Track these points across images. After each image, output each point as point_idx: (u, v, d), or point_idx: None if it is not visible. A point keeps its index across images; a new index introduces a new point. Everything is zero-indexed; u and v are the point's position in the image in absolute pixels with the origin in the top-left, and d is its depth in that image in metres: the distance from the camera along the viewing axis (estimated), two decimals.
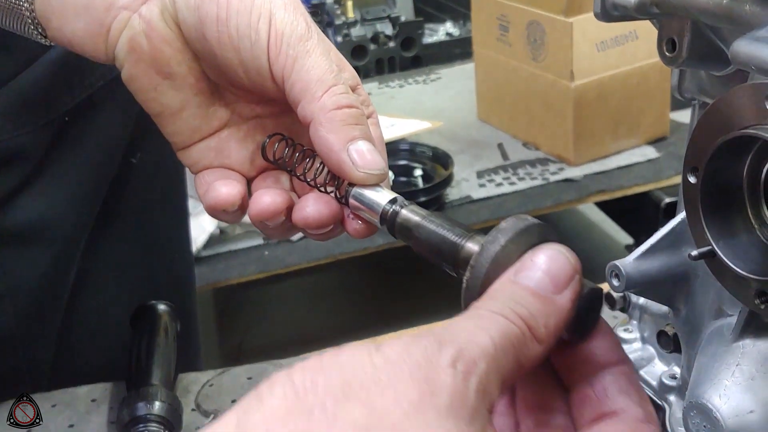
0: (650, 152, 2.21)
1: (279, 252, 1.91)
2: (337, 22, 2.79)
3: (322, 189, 0.55)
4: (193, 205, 1.99)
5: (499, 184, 2.12)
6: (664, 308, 0.67)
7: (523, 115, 2.28)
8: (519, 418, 0.44)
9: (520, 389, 0.45)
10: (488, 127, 2.40)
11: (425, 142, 2.23)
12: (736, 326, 0.53)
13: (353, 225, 0.55)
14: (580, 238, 2.77)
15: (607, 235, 2.66)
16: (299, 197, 0.57)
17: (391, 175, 2.18)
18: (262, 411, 0.34)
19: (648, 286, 0.61)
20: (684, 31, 0.54)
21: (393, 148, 2.14)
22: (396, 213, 0.51)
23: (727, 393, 0.51)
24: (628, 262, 0.59)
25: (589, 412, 0.42)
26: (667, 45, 0.55)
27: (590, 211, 2.68)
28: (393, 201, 0.52)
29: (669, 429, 0.65)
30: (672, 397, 0.66)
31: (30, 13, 0.56)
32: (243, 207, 0.56)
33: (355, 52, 2.79)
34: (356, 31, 2.81)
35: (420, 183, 2.10)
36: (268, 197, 0.55)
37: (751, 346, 0.53)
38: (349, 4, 2.81)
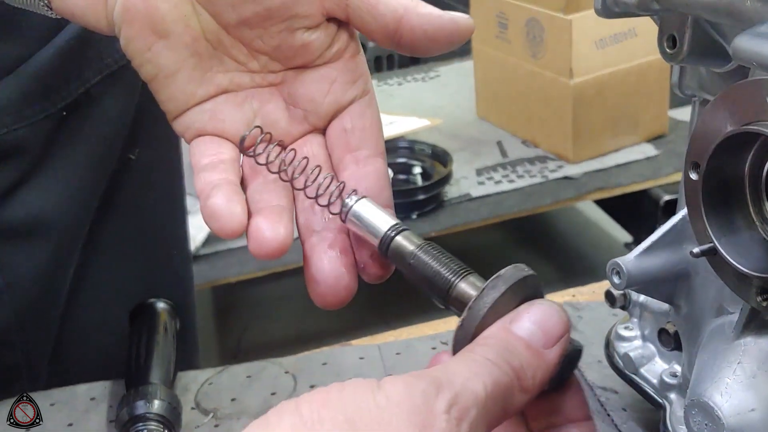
0: (649, 150, 2.21)
1: None
2: None
3: (312, 197, 0.54)
4: (191, 203, 1.98)
5: (498, 182, 2.12)
6: (665, 306, 0.67)
7: (522, 113, 2.28)
8: None
9: None
10: (487, 125, 2.40)
11: (424, 139, 2.23)
12: (737, 324, 0.53)
13: (372, 270, 0.53)
14: (579, 235, 2.77)
15: (605, 233, 2.66)
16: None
17: (390, 173, 2.18)
18: None
19: (649, 283, 0.61)
20: (685, 28, 0.53)
21: (392, 146, 2.14)
22: (391, 238, 0.51)
23: (728, 391, 0.51)
24: (629, 260, 0.59)
25: None
26: (668, 41, 0.55)
27: (589, 208, 2.68)
28: (393, 226, 0.51)
29: (670, 427, 0.65)
30: (673, 395, 0.66)
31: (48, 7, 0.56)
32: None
33: None
34: None
35: (419, 181, 2.10)
36: (268, 231, 0.50)
37: (752, 343, 0.52)
38: None
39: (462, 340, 0.45)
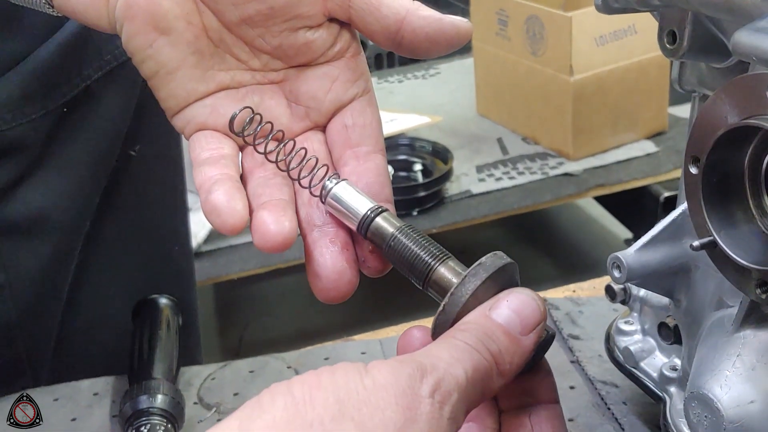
0: (649, 147, 2.21)
1: None
2: None
3: (295, 179, 0.54)
4: (193, 200, 1.99)
5: (499, 179, 2.12)
6: (665, 300, 0.67)
7: (522, 110, 2.29)
8: None
9: None
10: (487, 122, 2.40)
11: (425, 137, 2.23)
12: (736, 317, 0.53)
13: (372, 264, 0.53)
14: (579, 232, 2.77)
15: (606, 230, 2.67)
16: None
17: (390, 169, 2.18)
18: (264, 419, 0.38)
19: (649, 277, 0.61)
20: (684, 23, 0.54)
21: (392, 143, 2.15)
22: (371, 219, 0.51)
23: (728, 383, 0.52)
24: (629, 254, 0.60)
25: None
26: (668, 37, 0.55)
27: (589, 205, 2.68)
28: (372, 208, 0.52)
29: (670, 420, 0.65)
30: (673, 389, 0.67)
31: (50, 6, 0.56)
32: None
33: None
34: None
35: (420, 178, 2.10)
36: (273, 225, 0.50)
37: (751, 336, 0.53)
38: None
39: (442, 324, 0.46)
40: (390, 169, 2.16)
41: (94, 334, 0.92)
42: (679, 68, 0.61)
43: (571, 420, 0.76)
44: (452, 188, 2.09)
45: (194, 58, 0.55)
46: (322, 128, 0.58)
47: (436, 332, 0.46)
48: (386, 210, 0.52)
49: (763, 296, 0.48)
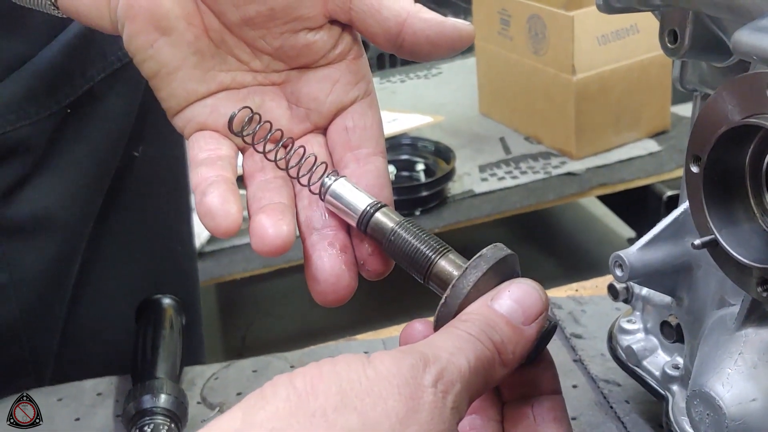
0: (651, 146, 2.22)
1: None
2: None
3: (294, 177, 0.54)
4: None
5: (502, 178, 2.12)
6: (667, 299, 0.67)
7: (524, 109, 2.29)
8: None
9: None
10: (490, 122, 2.40)
11: (427, 136, 2.23)
12: (738, 315, 0.54)
13: (371, 267, 0.53)
14: (582, 231, 2.77)
15: (608, 229, 2.67)
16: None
17: (393, 169, 2.19)
18: (267, 409, 0.38)
19: (651, 276, 0.61)
20: (685, 22, 0.54)
21: (395, 143, 2.15)
22: (370, 215, 0.51)
23: (729, 381, 0.52)
24: (631, 253, 0.60)
25: (523, 430, 0.48)
26: (669, 36, 0.55)
27: (592, 204, 2.68)
28: (372, 204, 0.52)
29: (672, 419, 0.65)
30: (675, 387, 0.67)
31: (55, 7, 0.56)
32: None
33: None
34: None
35: (422, 177, 2.11)
36: (271, 229, 0.50)
37: (753, 334, 0.53)
38: None
39: (445, 316, 0.46)
40: (392, 168, 2.17)
41: (97, 333, 0.93)
42: (681, 67, 0.61)
43: (573, 419, 0.76)
44: (455, 188, 2.09)
45: (195, 59, 0.55)
46: (323, 130, 0.58)
47: (439, 325, 0.47)
48: (385, 205, 0.52)
49: (765, 294, 0.48)
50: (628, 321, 0.72)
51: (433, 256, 0.49)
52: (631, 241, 2.41)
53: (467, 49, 2.82)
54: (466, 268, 0.47)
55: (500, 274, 0.47)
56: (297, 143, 0.57)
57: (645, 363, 0.70)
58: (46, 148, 0.79)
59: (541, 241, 2.70)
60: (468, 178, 2.13)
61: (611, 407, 0.77)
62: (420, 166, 2.14)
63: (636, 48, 2.12)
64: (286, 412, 0.38)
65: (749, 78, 0.46)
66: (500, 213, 2.06)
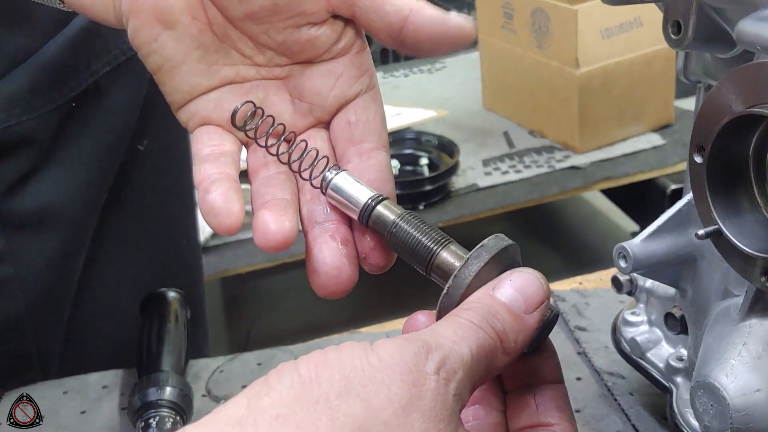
0: (655, 139, 2.21)
1: None
2: None
3: (296, 171, 0.55)
4: None
5: (505, 172, 2.12)
6: (671, 291, 0.67)
7: (528, 103, 2.28)
8: None
9: None
10: (493, 116, 2.40)
11: (431, 130, 2.23)
12: (742, 306, 0.54)
13: (373, 261, 0.53)
14: (586, 225, 2.77)
15: (612, 222, 2.67)
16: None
17: (396, 163, 2.18)
18: (271, 396, 0.39)
19: (655, 267, 0.61)
20: (689, 13, 0.54)
21: (399, 137, 2.15)
22: (372, 207, 0.52)
23: (734, 372, 0.52)
24: (635, 244, 0.60)
25: (526, 419, 0.48)
26: (673, 27, 0.55)
27: (596, 198, 2.68)
28: (373, 197, 0.52)
29: (676, 410, 0.65)
30: (679, 379, 0.67)
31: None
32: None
33: None
34: None
35: (426, 172, 2.11)
36: (273, 224, 0.51)
37: (757, 325, 0.53)
38: None
39: (447, 306, 0.47)
40: (396, 163, 2.17)
41: (102, 327, 0.93)
42: (684, 59, 0.61)
43: (578, 411, 0.76)
44: (458, 182, 2.09)
45: (199, 53, 0.55)
46: (326, 125, 0.58)
47: (441, 315, 0.47)
48: (387, 198, 0.52)
49: None
50: (632, 313, 0.72)
51: (434, 248, 0.50)
52: (634, 235, 2.39)
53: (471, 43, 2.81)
54: (468, 259, 0.47)
55: (502, 263, 0.48)
56: (299, 138, 0.57)
57: (649, 355, 0.70)
58: (50, 142, 0.79)
59: (545, 235, 2.70)
60: (472, 172, 2.13)
61: (615, 399, 0.77)
62: (424, 161, 2.13)
63: (640, 41, 2.12)
64: (290, 399, 0.38)
65: (753, 68, 0.46)
66: (504, 207, 2.05)
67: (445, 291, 0.47)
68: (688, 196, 0.60)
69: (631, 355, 0.71)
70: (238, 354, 0.88)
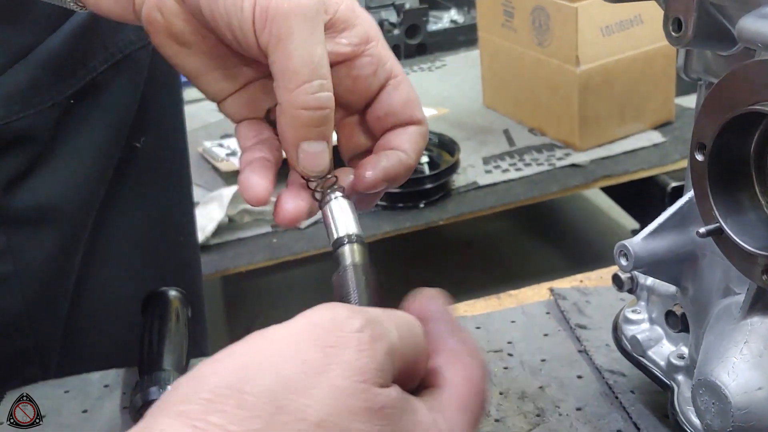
0: (656, 137, 2.21)
1: (287, 239, 1.92)
2: None
3: (305, 179, 0.57)
4: (201, 193, 2.00)
5: (506, 170, 2.12)
6: (672, 288, 0.67)
7: (528, 101, 2.28)
8: None
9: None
10: (494, 114, 2.40)
11: (431, 129, 2.21)
12: (744, 304, 0.54)
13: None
14: (587, 223, 2.77)
15: (613, 220, 2.67)
16: None
17: None
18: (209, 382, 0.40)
19: (656, 265, 0.61)
20: (690, 11, 0.54)
21: None
22: (340, 244, 0.54)
23: (735, 370, 0.52)
24: (636, 242, 0.60)
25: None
26: (673, 25, 0.55)
27: (596, 196, 2.68)
28: (350, 236, 0.54)
29: (678, 409, 0.65)
30: (680, 377, 0.67)
31: (75, 3, 0.60)
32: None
33: None
34: None
35: (426, 170, 2.11)
36: (290, 204, 0.56)
37: (759, 323, 0.53)
38: None
39: None
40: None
41: (101, 324, 0.93)
42: (685, 56, 0.61)
43: (579, 409, 0.76)
44: (459, 180, 2.09)
45: (215, 63, 0.58)
46: (359, 111, 0.60)
47: None
48: (361, 241, 0.54)
49: None
50: (633, 311, 0.72)
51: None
52: (635, 233, 2.39)
53: (471, 42, 2.81)
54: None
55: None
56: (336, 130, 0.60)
57: (650, 353, 0.70)
58: (49, 139, 0.80)
59: (546, 233, 2.70)
60: (472, 170, 2.13)
61: (616, 397, 0.77)
62: (424, 159, 2.13)
63: (640, 39, 2.11)
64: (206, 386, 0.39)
65: (754, 65, 0.46)
66: (504, 205, 2.05)
67: None
68: (689, 194, 0.60)
69: (632, 353, 0.71)
70: None
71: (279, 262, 1.92)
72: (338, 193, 0.56)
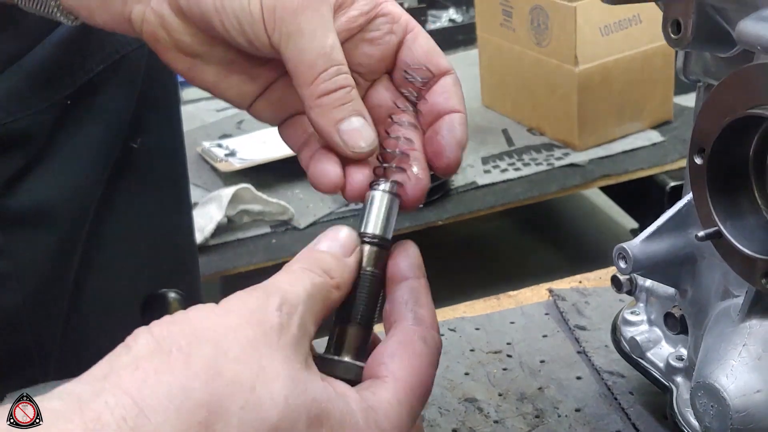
0: (655, 136, 2.21)
1: (286, 240, 1.92)
2: None
3: (379, 157, 0.56)
4: (200, 194, 2.00)
5: (504, 170, 2.12)
6: (671, 290, 0.67)
7: (527, 101, 2.28)
8: None
9: None
10: (493, 114, 2.40)
11: None
12: (742, 307, 0.54)
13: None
14: (585, 222, 2.77)
15: (612, 220, 2.67)
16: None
17: None
18: (129, 355, 0.42)
19: (655, 268, 0.61)
20: (689, 13, 0.54)
21: None
22: (360, 242, 0.53)
23: (734, 373, 0.52)
24: (634, 245, 0.60)
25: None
26: (672, 27, 0.55)
27: (595, 195, 2.68)
28: (372, 235, 0.53)
29: (676, 410, 0.65)
30: (679, 379, 0.67)
31: (58, 9, 0.60)
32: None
33: None
34: None
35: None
36: (360, 175, 0.56)
37: (757, 326, 0.53)
38: None
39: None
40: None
41: (100, 325, 0.93)
42: (684, 58, 0.61)
43: (578, 410, 0.76)
44: (458, 180, 2.09)
45: (231, 68, 0.58)
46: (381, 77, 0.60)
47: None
48: (381, 246, 0.53)
49: None
50: (632, 312, 0.72)
51: (342, 318, 0.52)
52: (634, 232, 2.40)
53: (469, 41, 2.80)
54: (340, 362, 0.51)
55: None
56: (369, 95, 0.59)
57: (649, 354, 0.70)
58: (46, 140, 0.80)
59: (544, 232, 2.70)
60: (471, 170, 2.13)
61: (615, 398, 0.77)
62: None
63: (639, 38, 2.11)
64: (147, 353, 0.42)
65: (753, 69, 0.46)
66: (503, 205, 2.05)
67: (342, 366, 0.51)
68: (687, 197, 0.60)
69: (631, 355, 0.71)
70: None
71: (278, 263, 1.92)
72: (386, 185, 0.54)
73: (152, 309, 0.87)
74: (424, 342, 0.50)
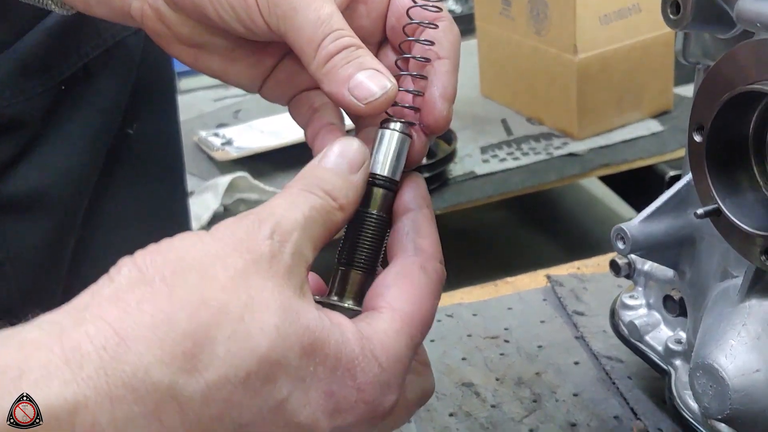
0: (654, 126, 2.20)
1: None
2: None
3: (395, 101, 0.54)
4: (196, 183, 1.99)
5: (503, 160, 2.12)
6: (669, 273, 0.67)
7: (526, 90, 2.28)
8: None
9: None
10: (491, 103, 2.39)
11: None
12: (742, 286, 0.53)
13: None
14: (584, 212, 2.77)
15: (611, 209, 2.66)
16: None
17: None
18: (111, 287, 0.42)
19: (653, 248, 0.61)
20: None
21: None
22: (371, 183, 0.52)
23: (733, 353, 0.51)
24: (633, 225, 0.59)
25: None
26: (672, 8, 0.55)
27: (594, 185, 2.68)
28: (382, 177, 0.52)
29: (675, 393, 0.65)
30: (678, 362, 0.67)
31: (59, 6, 0.61)
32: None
33: None
34: None
35: (423, 159, 2.10)
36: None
37: (757, 306, 0.53)
38: None
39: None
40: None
41: None
42: (683, 40, 0.61)
43: (576, 395, 0.76)
44: (456, 169, 2.08)
45: (236, 54, 0.58)
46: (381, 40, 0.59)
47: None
48: (389, 188, 0.52)
49: None
50: (631, 296, 0.72)
51: (344, 262, 0.51)
52: None
53: (468, 31, 2.79)
54: (338, 305, 0.49)
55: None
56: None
57: (647, 338, 0.70)
58: (41, 125, 0.79)
59: (543, 222, 2.70)
60: (469, 159, 2.12)
61: (614, 383, 0.77)
62: None
63: (638, 27, 2.10)
64: (128, 283, 0.41)
65: (753, 45, 0.46)
66: (502, 194, 2.05)
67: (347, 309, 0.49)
68: (687, 177, 0.59)
69: (630, 339, 0.71)
70: None
71: None
72: (397, 125, 0.52)
73: None
74: (424, 271, 0.49)
